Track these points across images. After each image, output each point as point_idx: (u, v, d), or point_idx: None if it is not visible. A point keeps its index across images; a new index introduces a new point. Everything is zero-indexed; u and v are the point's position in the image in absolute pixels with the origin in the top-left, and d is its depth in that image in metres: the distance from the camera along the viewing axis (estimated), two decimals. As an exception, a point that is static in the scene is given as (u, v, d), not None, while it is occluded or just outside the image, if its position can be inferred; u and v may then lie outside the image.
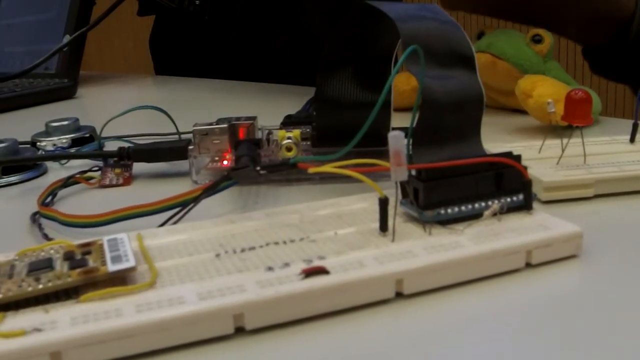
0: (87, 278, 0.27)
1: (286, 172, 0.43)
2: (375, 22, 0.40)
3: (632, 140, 0.48)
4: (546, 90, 0.53)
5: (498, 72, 0.61)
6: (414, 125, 0.33)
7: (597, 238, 0.33)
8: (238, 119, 0.49)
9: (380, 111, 0.35)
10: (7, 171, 0.51)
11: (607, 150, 0.45)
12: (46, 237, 0.37)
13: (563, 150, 0.43)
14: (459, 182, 0.33)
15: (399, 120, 0.45)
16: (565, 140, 0.43)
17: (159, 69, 1.30)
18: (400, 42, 0.38)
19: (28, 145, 0.58)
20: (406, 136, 0.31)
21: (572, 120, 0.42)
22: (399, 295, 0.28)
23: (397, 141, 0.30)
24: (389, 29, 0.37)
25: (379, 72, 0.44)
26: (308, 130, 0.48)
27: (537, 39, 0.61)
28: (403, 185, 0.33)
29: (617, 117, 0.62)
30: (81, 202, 0.46)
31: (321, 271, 0.27)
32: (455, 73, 0.36)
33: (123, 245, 0.29)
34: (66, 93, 0.97)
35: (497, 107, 0.66)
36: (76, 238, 0.32)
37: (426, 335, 0.26)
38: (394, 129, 0.46)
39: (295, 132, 0.45)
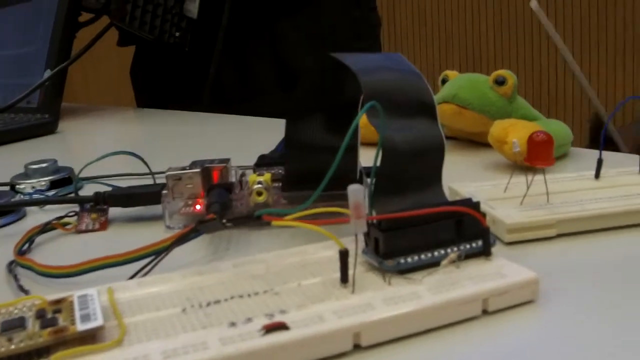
0: (57, 337, 0.28)
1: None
2: (342, 71, 0.41)
3: (597, 176, 0.49)
4: (518, 134, 0.54)
5: (466, 119, 0.63)
6: (375, 175, 0.34)
7: (556, 280, 0.35)
8: (212, 161, 0.50)
9: (347, 155, 0.36)
10: (-14, 216, 0.52)
11: (571, 188, 0.46)
12: (22, 289, 0.38)
13: (527, 190, 0.44)
14: (419, 230, 0.34)
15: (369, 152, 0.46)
16: (530, 178, 0.44)
17: (140, 100, 1.31)
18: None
19: (7, 188, 0.59)
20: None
21: (535, 162, 0.43)
22: (357, 347, 0.29)
23: (356, 195, 0.31)
24: (355, 78, 0.38)
25: (346, 118, 0.45)
26: (280, 171, 0.49)
27: (500, 81, 0.62)
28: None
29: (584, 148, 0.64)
30: (58, 248, 0.47)
31: (281, 327, 0.28)
32: (417, 122, 0.37)
33: (92, 303, 0.30)
34: (47, 129, 0.98)
35: (467, 139, 0.67)
36: (52, 287, 0.33)
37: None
38: (365, 168, 0.47)
39: (266, 176, 0.46)
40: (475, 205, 0.35)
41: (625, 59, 2.65)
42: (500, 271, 0.33)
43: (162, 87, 1.24)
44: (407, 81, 0.38)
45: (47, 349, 0.28)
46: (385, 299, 0.31)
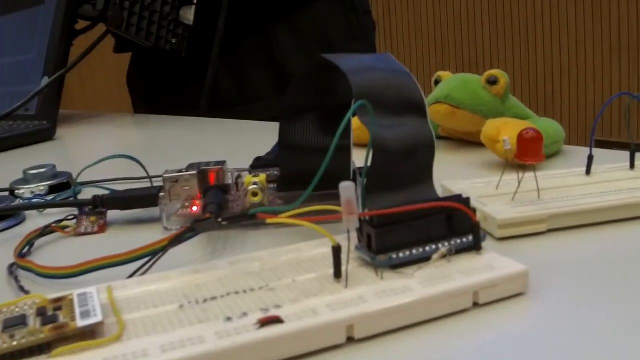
0: (58, 334, 0.29)
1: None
2: (333, 73, 0.42)
3: (587, 172, 0.49)
4: (510, 132, 0.55)
5: (459, 119, 0.64)
6: (367, 173, 0.35)
7: (546, 274, 0.35)
8: (208, 164, 0.50)
9: (340, 155, 0.36)
10: (-13, 221, 0.53)
11: (562, 184, 0.47)
12: (22, 290, 0.39)
13: (518, 186, 0.45)
14: (411, 226, 0.35)
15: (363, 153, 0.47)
16: (521, 175, 0.45)
17: (137, 106, 1.31)
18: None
19: (7, 194, 0.60)
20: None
21: (524, 159, 0.43)
22: (351, 339, 0.30)
23: (347, 191, 0.32)
24: (346, 79, 0.39)
25: (339, 118, 0.46)
26: (276, 172, 0.49)
27: (492, 81, 0.63)
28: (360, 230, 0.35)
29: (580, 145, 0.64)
30: (57, 251, 0.47)
31: (276, 320, 0.29)
32: (407, 121, 0.38)
33: (92, 300, 0.31)
34: (45, 135, 0.98)
35: (461, 139, 0.68)
36: (51, 288, 0.34)
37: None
38: (358, 168, 0.48)
39: (261, 177, 0.46)
40: (465, 201, 0.36)
41: (621, 55, 2.67)
42: (490, 264, 0.34)
43: (159, 93, 1.25)
44: (397, 80, 0.39)
45: (48, 345, 0.29)
46: (378, 293, 0.31)
